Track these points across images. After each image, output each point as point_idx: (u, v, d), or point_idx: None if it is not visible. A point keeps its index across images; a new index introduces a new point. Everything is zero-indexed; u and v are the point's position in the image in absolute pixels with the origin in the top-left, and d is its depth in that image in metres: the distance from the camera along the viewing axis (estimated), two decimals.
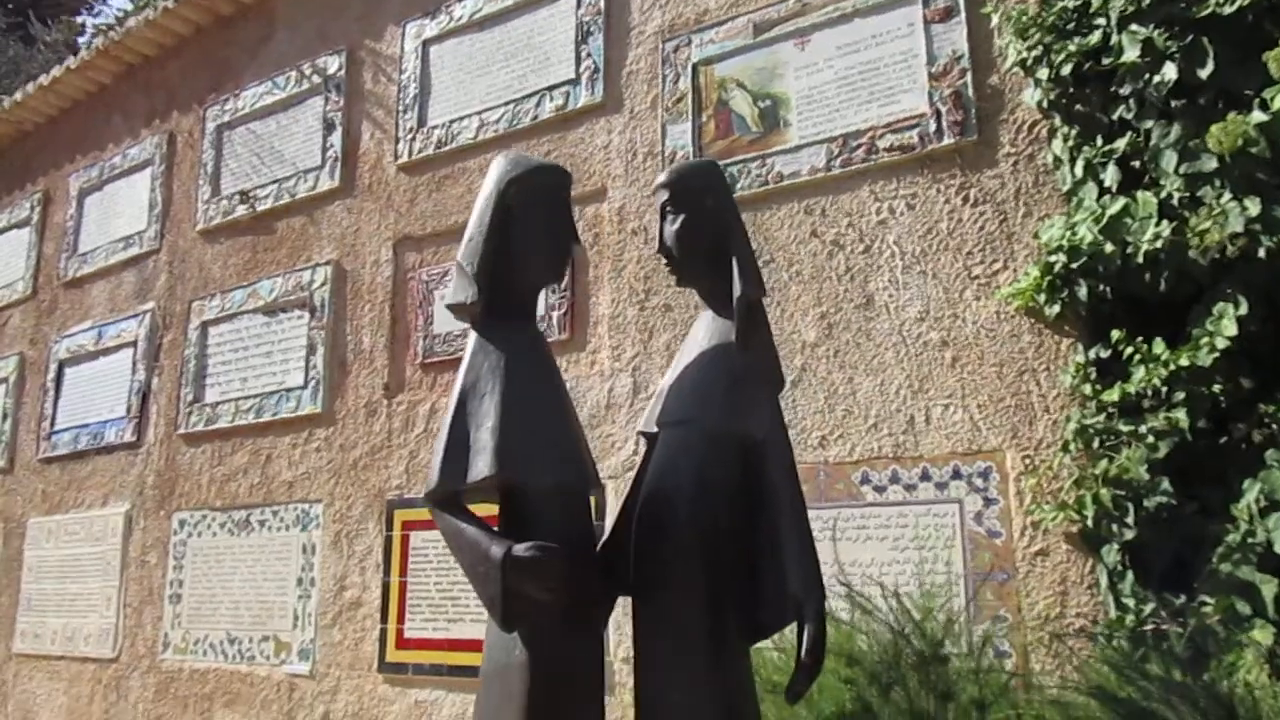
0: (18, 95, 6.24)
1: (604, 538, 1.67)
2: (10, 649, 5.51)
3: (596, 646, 1.53)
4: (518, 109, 3.97)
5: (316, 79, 4.70)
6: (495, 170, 1.61)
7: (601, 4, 3.84)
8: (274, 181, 4.74)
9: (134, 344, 5.23)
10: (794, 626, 1.50)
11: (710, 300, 1.69)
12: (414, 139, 4.27)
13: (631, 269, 3.60)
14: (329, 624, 4.03)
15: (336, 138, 4.55)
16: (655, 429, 1.63)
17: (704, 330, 1.67)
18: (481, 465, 1.42)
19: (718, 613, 1.46)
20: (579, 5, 3.90)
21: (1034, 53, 2.81)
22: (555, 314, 3.73)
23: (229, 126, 5.06)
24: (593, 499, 1.68)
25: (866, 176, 3.19)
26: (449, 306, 1.59)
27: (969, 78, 3.04)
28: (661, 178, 1.67)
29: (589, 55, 3.84)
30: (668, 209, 1.64)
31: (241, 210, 4.83)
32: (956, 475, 2.88)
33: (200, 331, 4.88)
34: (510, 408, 1.44)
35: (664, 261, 1.69)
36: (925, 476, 2.96)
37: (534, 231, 1.57)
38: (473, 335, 1.56)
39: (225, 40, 5.25)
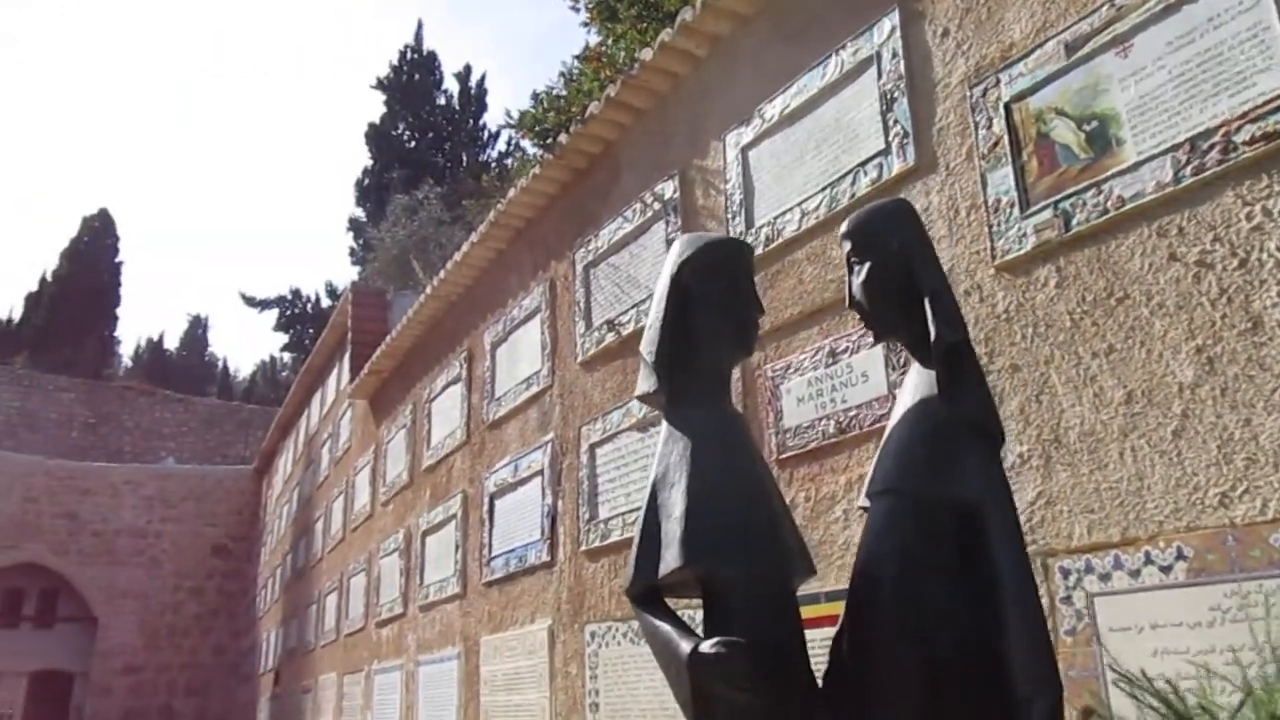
0: (441, 274, 7.38)
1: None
2: None
3: None
4: (834, 192, 3.92)
5: (657, 206, 5.02)
6: (671, 254, 1.58)
7: (902, 67, 3.71)
8: (633, 306, 5.09)
9: (541, 472, 5.79)
10: None
11: (914, 351, 1.49)
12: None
13: (971, 332, 3.32)
14: None
15: None
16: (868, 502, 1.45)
17: (911, 384, 1.48)
18: (670, 557, 1.36)
19: (941, 710, 1.23)
20: (880, 75, 3.80)
21: None
22: (898, 392, 3.53)
23: (593, 264, 5.55)
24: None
25: (1228, 179, 2.68)
26: (638, 397, 1.57)
27: None
28: (843, 227, 1.53)
29: (896, 121, 3.70)
30: (853, 259, 1.50)
31: (610, 338, 5.22)
32: None
33: (589, 454, 5.29)
34: (698, 495, 1.36)
35: (859, 316, 1.52)
36: None
37: (714, 309, 1.50)
38: (664, 424, 1.52)
39: (584, 190, 5.82)
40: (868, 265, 1.47)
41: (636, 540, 1.43)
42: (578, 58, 5.54)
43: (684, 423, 1.48)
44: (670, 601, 1.43)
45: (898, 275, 1.45)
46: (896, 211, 1.56)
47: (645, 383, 1.54)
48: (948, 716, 1.25)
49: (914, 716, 1.25)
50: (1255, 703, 1.79)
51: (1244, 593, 2.51)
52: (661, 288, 1.58)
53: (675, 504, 1.38)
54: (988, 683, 1.26)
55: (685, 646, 1.29)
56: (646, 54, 4.95)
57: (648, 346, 1.55)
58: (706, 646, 1.28)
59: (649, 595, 1.42)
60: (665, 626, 1.36)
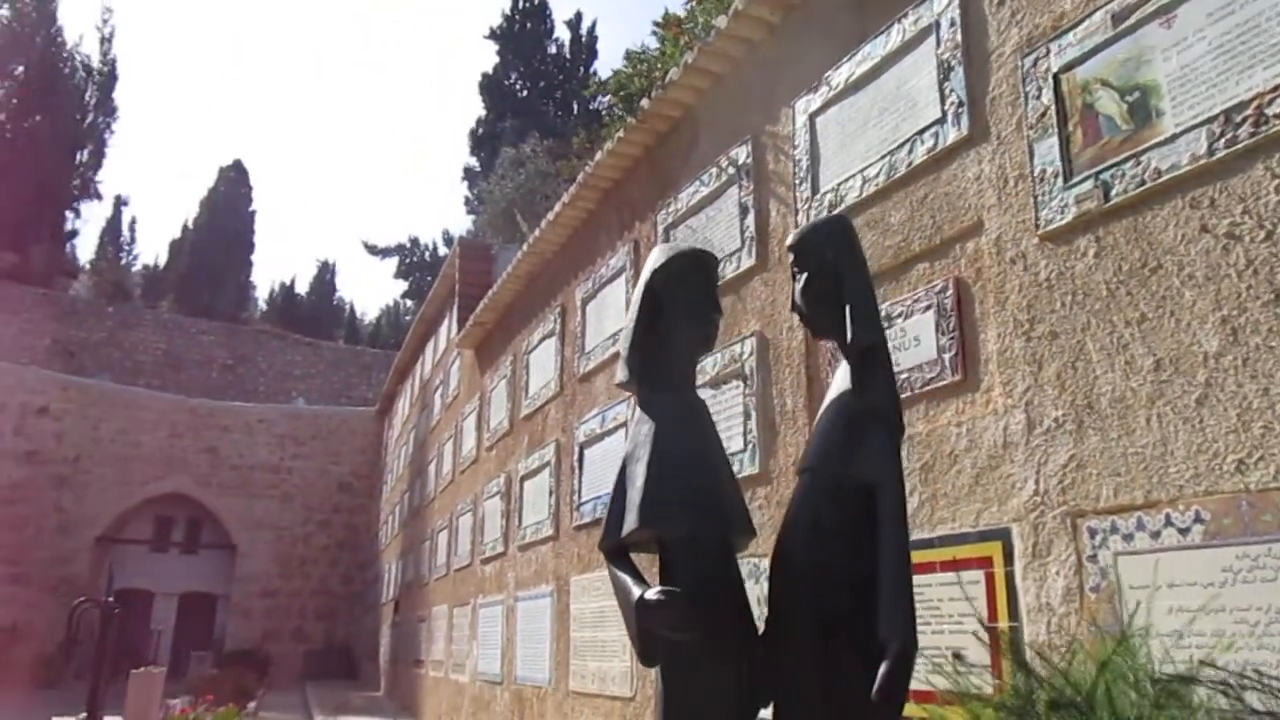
0: (536, 232, 7.71)
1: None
2: (568, 687, 6.63)
3: (734, 682, 1.60)
4: (893, 159, 4.03)
5: (731, 170, 5.19)
6: (647, 263, 1.82)
7: (959, 37, 3.78)
8: None
9: (625, 425, 6.10)
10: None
11: (842, 349, 1.70)
12: (810, 207, 4.52)
13: (1014, 299, 3.43)
14: None
15: (751, 219, 4.97)
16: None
17: (839, 377, 1.69)
18: (630, 520, 1.62)
19: (833, 653, 1.47)
20: (938, 44, 3.88)
21: None
22: (946, 356, 3.67)
23: (673, 226, 5.76)
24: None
25: (1258, 153, 2.72)
26: (616, 384, 1.82)
27: None
28: (788, 240, 1.74)
29: (952, 91, 3.78)
30: (794, 269, 1.70)
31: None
32: None
33: None
34: (655, 470, 1.62)
35: (800, 318, 1.74)
36: None
37: (680, 311, 1.74)
38: (636, 408, 1.77)
39: (665, 153, 6.02)
40: (806, 275, 1.69)
41: (608, 505, 1.71)
42: (657, 24, 5.70)
43: (652, 408, 1.74)
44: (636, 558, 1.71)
45: (830, 284, 1.67)
46: (833, 229, 1.76)
47: (621, 372, 1.80)
48: (838, 658, 1.49)
49: (809, 658, 1.50)
50: (1084, 655, 1.95)
51: (1254, 555, 2.62)
52: (637, 292, 1.83)
53: (638, 476, 1.66)
54: (870, 630, 1.50)
55: (635, 593, 1.58)
56: (721, 21, 5.09)
57: (624, 342, 1.81)
58: (651, 594, 1.56)
59: (617, 551, 1.71)
60: (624, 576, 1.65)
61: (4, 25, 29.58)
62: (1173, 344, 2.89)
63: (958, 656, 1.97)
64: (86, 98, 32.54)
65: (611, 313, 6.52)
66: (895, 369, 3.91)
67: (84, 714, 6.12)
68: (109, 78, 33.33)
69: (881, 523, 1.52)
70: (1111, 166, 3.11)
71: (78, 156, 32.12)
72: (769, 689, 1.59)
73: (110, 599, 6.02)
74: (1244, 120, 2.75)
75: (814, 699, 1.49)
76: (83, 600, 6.30)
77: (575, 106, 30.54)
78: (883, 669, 1.43)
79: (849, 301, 1.62)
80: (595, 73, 31.91)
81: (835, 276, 1.67)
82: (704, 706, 1.57)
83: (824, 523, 1.56)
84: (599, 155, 6.54)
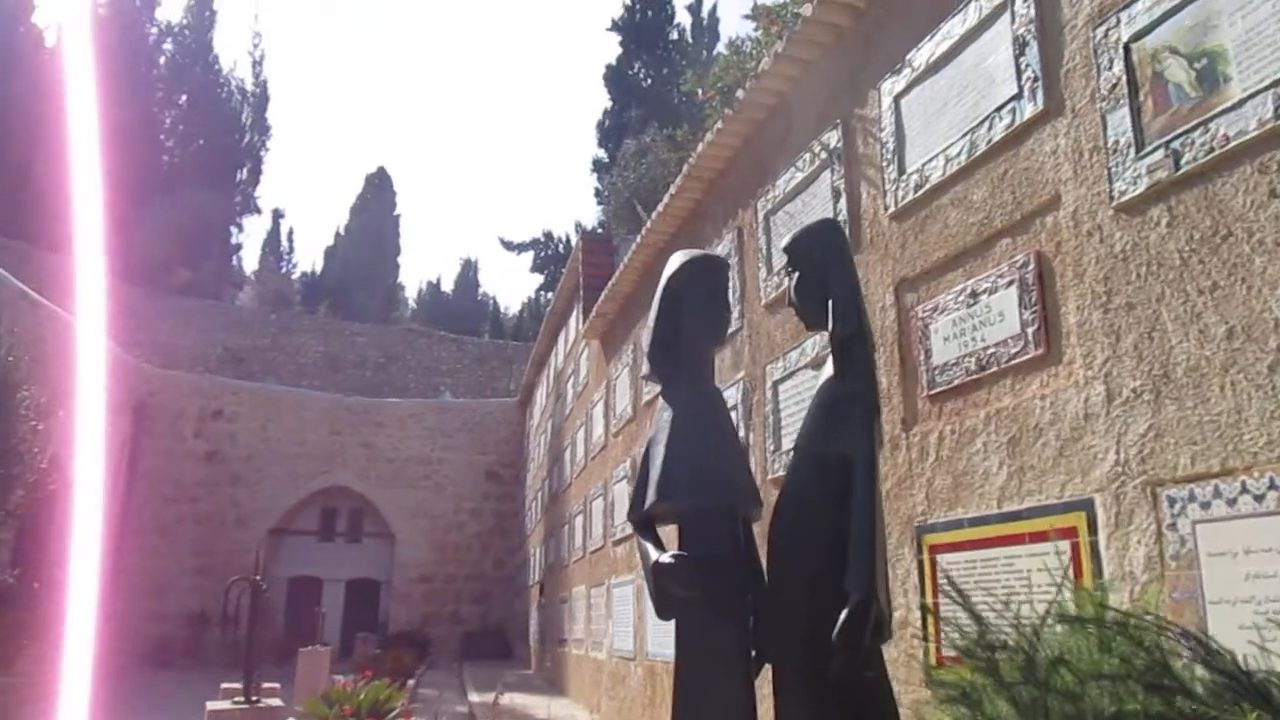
0: (649, 222, 7.96)
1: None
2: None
3: (737, 633, 1.79)
4: (973, 137, 4.07)
5: (824, 155, 5.29)
6: (667, 269, 2.02)
7: (1032, 10, 3.79)
8: None
9: (735, 407, 6.28)
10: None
11: (829, 338, 1.85)
12: (897, 188, 4.59)
13: (1091, 271, 3.45)
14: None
15: (843, 203, 5.07)
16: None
17: (829, 364, 1.84)
18: (650, 496, 1.84)
19: (816, 607, 1.64)
20: (1013, 19, 3.89)
21: None
22: (1029, 330, 3.71)
23: (772, 212, 5.90)
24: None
25: None
26: (642, 378, 2.03)
27: None
28: (783, 243, 1.90)
29: (1028, 66, 3.80)
30: (788, 269, 1.87)
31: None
32: None
33: (772, 390, 5.72)
34: (671, 453, 1.84)
35: (794, 312, 1.90)
36: None
37: (696, 310, 1.94)
38: (659, 399, 1.98)
39: (762, 143, 6.15)
40: (798, 274, 1.86)
41: (635, 483, 1.94)
42: (747, 17, 5.84)
43: (671, 398, 1.96)
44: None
45: (818, 282, 1.83)
46: (822, 233, 1.92)
47: (644, 367, 2.02)
48: (819, 609, 1.67)
49: (796, 612, 1.68)
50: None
51: None
52: (658, 295, 2.05)
53: (657, 458, 1.88)
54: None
55: (654, 557, 1.80)
56: (808, 9, 5.19)
57: (646, 340, 2.02)
58: (664, 558, 1.78)
59: (643, 523, 1.94)
60: (646, 544, 1.88)
61: (168, 58, 31.95)
62: (1244, 311, 2.88)
63: (927, 610, 2.09)
64: (243, 119, 34.79)
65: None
66: (981, 345, 3.99)
67: (240, 684, 6.80)
68: (261, 99, 35.53)
69: (854, 490, 1.69)
70: (1181, 135, 3.10)
71: (238, 175, 34.42)
72: (765, 639, 1.79)
73: (259, 578, 6.65)
74: None
75: (800, 648, 1.68)
76: (236, 579, 6.98)
77: (700, 92, 30.58)
78: (842, 617, 1.61)
79: (832, 297, 1.79)
80: (718, 56, 31.81)
81: (822, 275, 1.85)
82: (709, 654, 1.78)
83: (809, 494, 1.75)
84: (700, 147, 6.72)
